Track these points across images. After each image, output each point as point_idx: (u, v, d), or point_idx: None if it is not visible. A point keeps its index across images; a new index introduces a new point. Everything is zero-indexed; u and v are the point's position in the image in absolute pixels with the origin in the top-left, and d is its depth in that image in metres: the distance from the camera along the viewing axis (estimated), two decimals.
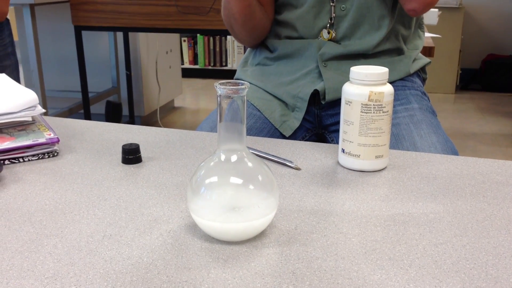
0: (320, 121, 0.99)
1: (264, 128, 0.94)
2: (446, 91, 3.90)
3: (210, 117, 0.97)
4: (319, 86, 0.94)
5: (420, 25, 1.06)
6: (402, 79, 0.99)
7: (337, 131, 0.96)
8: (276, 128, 0.95)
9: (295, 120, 0.95)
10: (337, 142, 0.91)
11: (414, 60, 1.02)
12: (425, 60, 1.06)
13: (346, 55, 0.96)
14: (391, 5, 0.95)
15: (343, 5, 0.95)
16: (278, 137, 0.93)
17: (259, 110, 0.96)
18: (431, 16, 2.09)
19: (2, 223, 0.52)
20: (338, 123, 0.96)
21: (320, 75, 0.96)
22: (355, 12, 0.94)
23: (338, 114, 0.95)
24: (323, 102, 0.95)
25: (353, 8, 0.94)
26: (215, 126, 0.94)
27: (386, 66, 0.96)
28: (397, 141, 0.84)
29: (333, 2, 0.95)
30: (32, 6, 2.22)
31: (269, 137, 0.90)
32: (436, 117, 0.95)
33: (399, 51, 1.00)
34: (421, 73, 1.07)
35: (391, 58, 0.99)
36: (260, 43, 1.06)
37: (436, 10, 2.11)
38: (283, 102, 0.98)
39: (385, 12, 0.95)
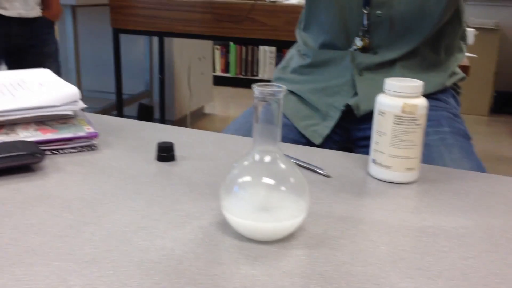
0: (348, 135, 0.99)
1: (297, 139, 0.94)
2: (480, 113, 3.83)
3: (237, 120, 0.98)
4: (352, 100, 0.93)
5: (462, 36, 1.00)
6: (435, 98, 0.95)
7: (366, 146, 0.95)
8: (306, 138, 0.95)
9: (325, 128, 0.94)
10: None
11: (452, 74, 0.98)
12: (461, 74, 1.01)
13: (380, 64, 0.93)
14: (443, 11, 0.89)
15: (379, 11, 0.90)
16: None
17: (287, 118, 0.96)
18: (468, 35, 2.06)
19: (43, 208, 0.54)
20: (367, 138, 0.96)
21: (354, 86, 0.94)
22: (399, 24, 0.90)
23: (367, 128, 0.94)
24: (357, 115, 0.93)
25: (397, 16, 0.89)
26: (239, 128, 0.94)
27: (422, 77, 0.91)
28: (428, 163, 0.83)
29: (365, 9, 0.90)
30: (73, 8, 2.30)
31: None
32: (470, 141, 0.91)
33: (437, 61, 0.96)
34: (456, 88, 1.03)
35: (428, 69, 0.95)
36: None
37: (473, 29, 2.08)
38: (316, 109, 0.97)
39: (435, 21, 0.89)
